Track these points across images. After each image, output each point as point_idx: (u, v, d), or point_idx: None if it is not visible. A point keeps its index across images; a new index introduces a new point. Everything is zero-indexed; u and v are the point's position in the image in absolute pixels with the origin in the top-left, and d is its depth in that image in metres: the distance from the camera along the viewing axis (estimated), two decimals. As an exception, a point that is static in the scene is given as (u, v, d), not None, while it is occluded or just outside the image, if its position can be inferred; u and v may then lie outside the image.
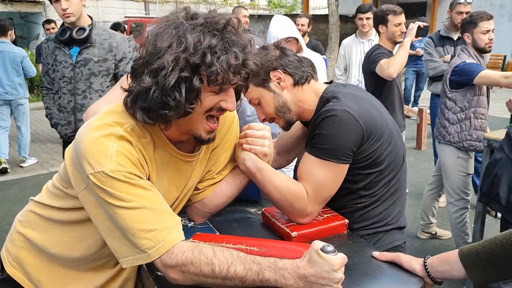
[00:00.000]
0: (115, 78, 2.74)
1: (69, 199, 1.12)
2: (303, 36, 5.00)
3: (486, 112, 2.97)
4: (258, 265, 0.96)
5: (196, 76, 0.96)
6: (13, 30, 5.41)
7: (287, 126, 1.49)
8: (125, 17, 17.31)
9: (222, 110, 1.08)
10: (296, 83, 1.43)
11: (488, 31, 2.84)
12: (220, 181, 1.35)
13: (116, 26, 6.48)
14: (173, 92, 0.96)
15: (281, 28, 2.57)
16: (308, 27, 5.17)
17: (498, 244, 0.99)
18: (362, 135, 1.30)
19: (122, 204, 0.97)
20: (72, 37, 2.61)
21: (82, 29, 2.62)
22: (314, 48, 5.00)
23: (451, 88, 2.94)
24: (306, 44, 4.93)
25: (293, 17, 5.01)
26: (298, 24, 5.02)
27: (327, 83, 1.51)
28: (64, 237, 1.16)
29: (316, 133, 1.32)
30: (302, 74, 1.44)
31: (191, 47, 0.95)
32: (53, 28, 6.08)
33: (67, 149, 1.11)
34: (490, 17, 2.87)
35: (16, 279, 1.20)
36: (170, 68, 0.94)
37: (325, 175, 1.30)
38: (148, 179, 1.07)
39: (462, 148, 2.98)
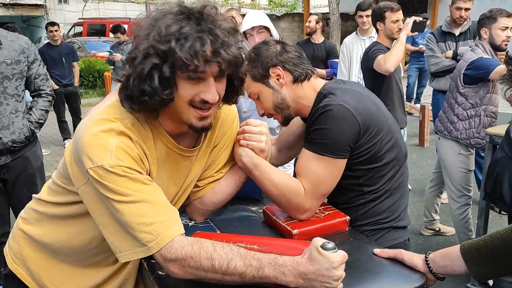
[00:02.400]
0: (27, 81, 2.50)
1: (68, 194, 1.13)
2: (311, 35, 4.93)
3: (496, 111, 2.92)
4: (258, 261, 0.96)
5: (166, 64, 0.96)
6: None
7: (285, 121, 1.50)
8: (79, 18, 16.81)
9: (206, 103, 1.04)
10: (296, 80, 1.42)
11: (506, 28, 2.79)
12: (219, 179, 1.35)
13: (116, 28, 6.50)
14: (147, 79, 0.97)
15: (251, 19, 2.50)
16: (317, 23, 4.89)
17: (499, 238, 0.99)
18: (359, 130, 1.29)
19: (121, 199, 0.98)
20: None
21: None
22: (328, 51, 4.78)
23: (465, 83, 2.88)
24: (319, 44, 4.87)
25: (294, 16, 4.93)
26: (309, 21, 4.88)
27: (328, 79, 1.51)
28: (62, 232, 1.17)
29: (312, 129, 1.32)
30: (302, 71, 1.43)
31: (161, 34, 0.96)
32: (56, 31, 6.09)
33: (67, 146, 1.12)
34: (509, 14, 2.82)
35: (18, 275, 1.22)
36: (142, 56, 0.96)
37: (322, 170, 1.30)
38: (149, 175, 1.08)
39: (468, 145, 2.94)
